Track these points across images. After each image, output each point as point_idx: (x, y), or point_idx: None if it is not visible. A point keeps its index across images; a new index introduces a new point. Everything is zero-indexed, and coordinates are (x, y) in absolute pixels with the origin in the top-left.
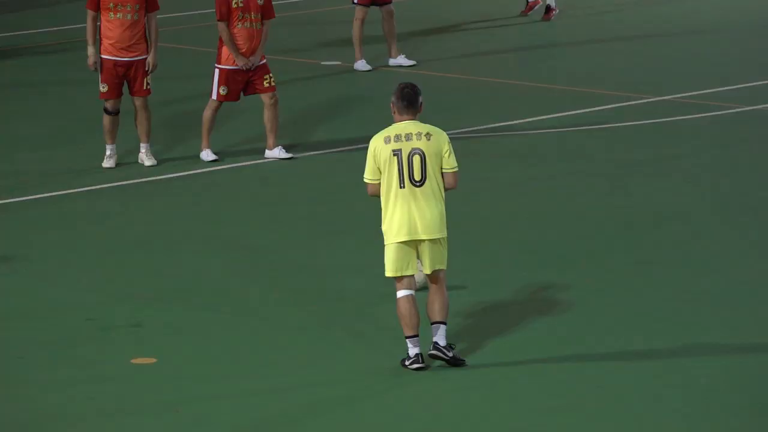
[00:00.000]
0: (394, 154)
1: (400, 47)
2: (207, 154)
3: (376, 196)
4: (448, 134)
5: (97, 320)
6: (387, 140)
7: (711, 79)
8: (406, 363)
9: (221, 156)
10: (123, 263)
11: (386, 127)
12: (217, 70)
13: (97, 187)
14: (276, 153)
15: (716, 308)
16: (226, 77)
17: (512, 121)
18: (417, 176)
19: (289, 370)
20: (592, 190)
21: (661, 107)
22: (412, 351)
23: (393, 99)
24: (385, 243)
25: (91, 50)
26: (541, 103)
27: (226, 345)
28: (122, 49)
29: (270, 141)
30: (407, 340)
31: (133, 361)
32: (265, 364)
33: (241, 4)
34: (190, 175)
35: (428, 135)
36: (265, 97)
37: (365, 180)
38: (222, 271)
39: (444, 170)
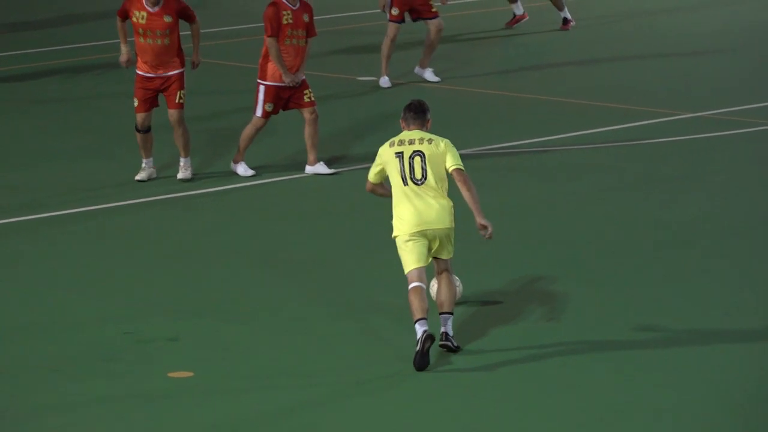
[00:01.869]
0: (396, 156)
1: (428, 62)
2: (244, 169)
3: (372, 192)
4: (478, 149)
5: (135, 333)
6: (391, 144)
7: (742, 96)
8: (416, 342)
9: (259, 171)
10: (160, 277)
11: None
12: (262, 87)
13: (136, 201)
14: (318, 168)
15: (745, 321)
16: (273, 94)
17: (545, 137)
18: (417, 175)
19: (328, 383)
20: (623, 204)
21: (694, 123)
22: (420, 330)
23: (402, 113)
24: (395, 237)
25: (123, 48)
26: (574, 119)
27: (263, 358)
28: (154, 66)
29: (311, 156)
30: (417, 322)
31: (170, 374)
32: (304, 376)
33: (290, 21)
34: (229, 189)
35: (430, 140)
36: (306, 113)
37: (368, 177)
38: (260, 284)
39: (449, 168)
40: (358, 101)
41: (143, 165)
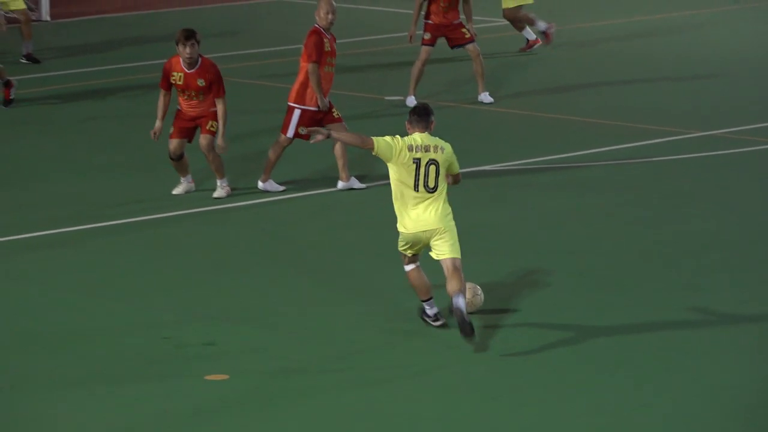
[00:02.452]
0: (414, 162)
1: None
2: (273, 185)
3: (366, 147)
4: (506, 165)
5: (173, 338)
6: (410, 148)
7: (752, 116)
8: (431, 321)
9: (288, 186)
10: (198, 285)
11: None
12: (298, 110)
13: (174, 213)
14: (351, 183)
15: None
16: (307, 118)
17: (563, 154)
18: (431, 184)
19: (358, 389)
20: (639, 219)
21: (705, 142)
22: (432, 311)
23: (408, 116)
24: (399, 230)
25: (158, 125)
26: (590, 137)
27: (294, 362)
28: (191, 112)
29: (343, 173)
30: (424, 303)
31: (207, 377)
32: (333, 379)
33: (329, 49)
34: (262, 203)
35: (441, 148)
36: (343, 133)
37: (382, 142)
38: (292, 292)
39: (451, 172)
40: (385, 120)
41: (181, 180)
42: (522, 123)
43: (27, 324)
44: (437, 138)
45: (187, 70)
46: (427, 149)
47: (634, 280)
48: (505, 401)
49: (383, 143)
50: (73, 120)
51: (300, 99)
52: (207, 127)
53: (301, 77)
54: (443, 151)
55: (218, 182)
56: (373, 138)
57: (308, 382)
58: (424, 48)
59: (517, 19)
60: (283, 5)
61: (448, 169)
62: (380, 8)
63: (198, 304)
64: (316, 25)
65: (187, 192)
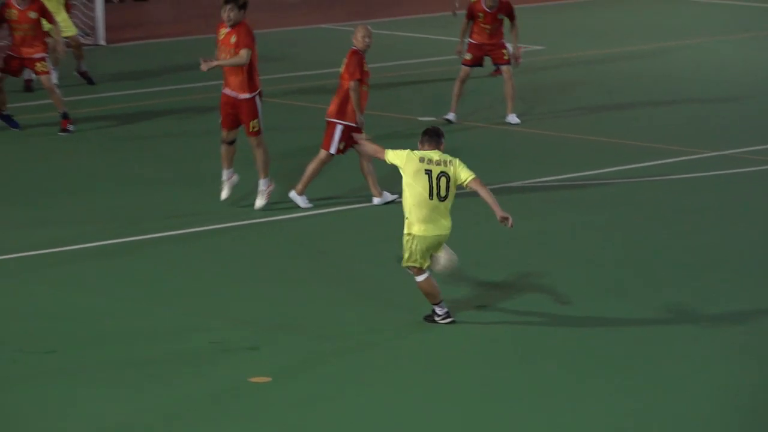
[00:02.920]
0: (425, 173)
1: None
2: (304, 201)
3: (375, 156)
4: (532, 182)
5: (220, 343)
6: (421, 160)
7: (761, 136)
8: (440, 320)
9: (321, 202)
10: (244, 294)
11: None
12: (340, 127)
13: (220, 226)
14: (385, 197)
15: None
16: (348, 133)
17: (586, 171)
18: (443, 193)
19: (396, 394)
20: (656, 233)
21: (720, 161)
22: (443, 311)
23: (420, 136)
24: (406, 233)
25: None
26: (612, 156)
27: (333, 368)
28: (226, 85)
29: (375, 190)
30: (436, 306)
31: (251, 379)
32: (372, 388)
33: (366, 69)
34: (303, 216)
35: (450, 162)
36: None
37: (391, 152)
38: (330, 301)
39: (466, 180)
40: (418, 138)
41: (223, 178)
42: (547, 143)
43: (80, 327)
44: (447, 155)
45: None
46: (438, 163)
47: (652, 288)
48: (526, 402)
49: (392, 152)
50: (125, 138)
51: (341, 115)
52: (250, 129)
53: (341, 94)
54: (452, 165)
55: (260, 183)
56: (384, 149)
57: (347, 387)
58: (463, 68)
59: None
60: (319, 31)
61: (460, 178)
62: (415, 34)
63: (244, 311)
64: (355, 48)
65: (232, 187)
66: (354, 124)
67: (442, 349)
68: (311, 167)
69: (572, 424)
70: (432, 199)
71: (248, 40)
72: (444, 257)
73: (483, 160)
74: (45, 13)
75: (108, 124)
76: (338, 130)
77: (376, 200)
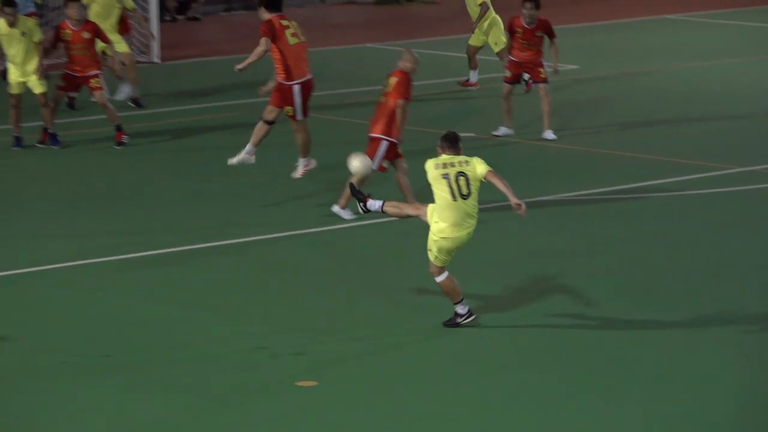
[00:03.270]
0: (443, 177)
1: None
2: (348, 213)
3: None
4: (565, 195)
5: (268, 348)
6: (437, 166)
7: None
8: (461, 321)
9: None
10: (291, 301)
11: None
12: (386, 143)
13: (268, 236)
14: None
15: None
16: (391, 149)
17: (619, 186)
18: (464, 191)
19: (438, 398)
20: (685, 245)
21: (746, 176)
22: (464, 309)
23: (440, 142)
24: (433, 235)
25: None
26: (644, 171)
27: (376, 372)
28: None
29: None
30: (458, 304)
31: (298, 383)
32: (414, 391)
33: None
34: (346, 228)
35: (466, 162)
36: (403, 162)
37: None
38: (374, 308)
39: (483, 173)
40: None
41: (244, 150)
42: (582, 158)
43: (132, 334)
44: (464, 156)
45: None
46: (453, 165)
47: (679, 296)
48: (553, 407)
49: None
50: (177, 151)
51: (387, 132)
52: (286, 113)
53: (387, 112)
54: (468, 163)
55: (299, 161)
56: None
57: (391, 390)
58: (505, 85)
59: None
60: (366, 51)
61: (478, 173)
62: (451, 54)
63: (291, 318)
64: (403, 70)
65: (241, 162)
66: (396, 141)
67: (476, 353)
68: (353, 181)
69: (604, 428)
70: (456, 200)
71: (264, 31)
72: (358, 160)
73: (519, 175)
74: (98, 33)
75: (161, 138)
76: (383, 147)
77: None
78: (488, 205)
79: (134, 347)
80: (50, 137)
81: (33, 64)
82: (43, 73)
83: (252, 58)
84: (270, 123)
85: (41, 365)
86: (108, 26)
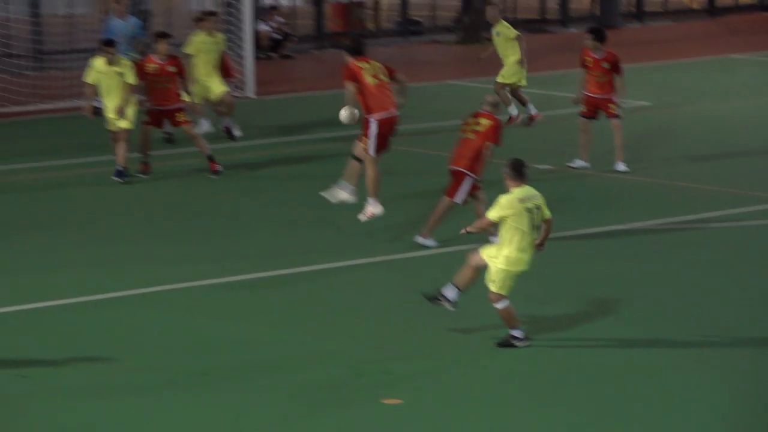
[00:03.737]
0: (527, 211)
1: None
2: (431, 242)
3: (485, 229)
4: (634, 225)
5: (356, 367)
6: (521, 200)
7: None
8: (519, 343)
9: (449, 241)
10: (378, 323)
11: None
12: (470, 179)
13: (355, 262)
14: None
15: None
16: (474, 186)
17: (687, 216)
18: (537, 223)
19: (522, 415)
20: (742, 273)
21: None
22: (521, 333)
23: (507, 170)
24: (501, 265)
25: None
26: (711, 202)
27: (462, 392)
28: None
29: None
30: (516, 330)
31: (383, 401)
32: (497, 411)
33: None
34: (422, 255)
35: (539, 196)
36: (481, 194)
37: (493, 212)
38: (459, 332)
39: (545, 217)
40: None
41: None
42: (653, 189)
43: (227, 354)
44: (534, 190)
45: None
46: (531, 198)
47: (732, 322)
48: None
49: (494, 211)
50: (270, 180)
51: (472, 168)
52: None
53: (474, 149)
54: (540, 199)
55: (368, 200)
56: (492, 221)
57: (473, 408)
58: (581, 119)
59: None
60: (447, 87)
61: (544, 214)
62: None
63: (378, 340)
64: (495, 115)
65: (335, 197)
66: (478, 178)
67: (542, 372)
68: (436, 214)
69: None
70: (532, 233)
71: (344, 75)
72: (347, 111)
73: (593, 205)
74: (181, 68)
75: (256, 168)
76: (467, 183)
77: (494, 238)
78: (557, 234)
79: (229, 366)
80: (117, 172)
81: (124, 102)
82: (123, 110)
83: (348, 102)
84: (358, 159)
85: (143, 382)
86: (210, 69)
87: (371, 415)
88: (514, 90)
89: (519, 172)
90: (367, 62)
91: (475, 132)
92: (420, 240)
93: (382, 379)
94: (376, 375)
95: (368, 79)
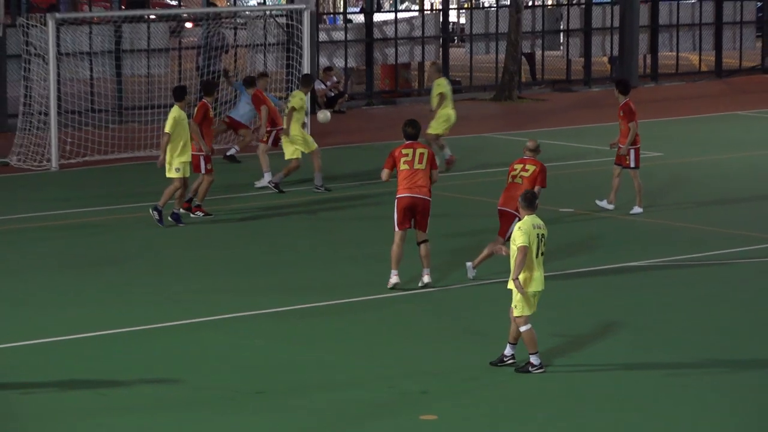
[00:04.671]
0: (538, 237)
1: (639, 201)
2: (471, 272)
3: (525, 257)
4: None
5: (396, 387)
6: (534, 226)
7: None
8: (534, 370)
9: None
10: (418, 348)
11: None
12: (518, 219)
13: (401, 293)
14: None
15: None
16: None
17: (695, 254)
18: (543, 250)
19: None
20: (738, 304)
21: None
22: (537, 361)
23: (521, 201)
24: (523, 290)
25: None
26: (712, 242)
27: (494, 408)
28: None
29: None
30: (535, 355)
31: (421, 417)
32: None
33: None
34: (470, 286)
35: (544, 226)
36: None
37: (524, 240)
38: (478, 356)
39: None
40: (558, 227)
41: (393, 273)
42: (665, 230)
43: (285, 374)
44: (540, 219)
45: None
46: (540, 227)
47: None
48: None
49: (519, 240)
50: (332, 221)
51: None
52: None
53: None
54: (545, 227)
55: (424, 271)
56: (522, 245)
57: (503, 423)
58: (615, 167)
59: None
60: (484, 139)
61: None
62: (557, 142)
63: (414, 363)
64: (539, 161)
65: (395, 286)
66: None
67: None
68: (487, 250)
69: None
70: (537, 257)
71: (386, 163)
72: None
73: (603, 246)
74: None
75: (315, 211)
76: (515, 222)
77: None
78: (571, 270)
79: (283, 385)
80: (156, 211)
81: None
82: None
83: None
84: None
85: (204, 398)
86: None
87: (410, 430)
88: (439, 137)
89: (531, 203)
90: (411, 148)
91: (523, 177)
92: (469, 265)
93: (420, 398)
94: (415, 394)
95: (402, 166)
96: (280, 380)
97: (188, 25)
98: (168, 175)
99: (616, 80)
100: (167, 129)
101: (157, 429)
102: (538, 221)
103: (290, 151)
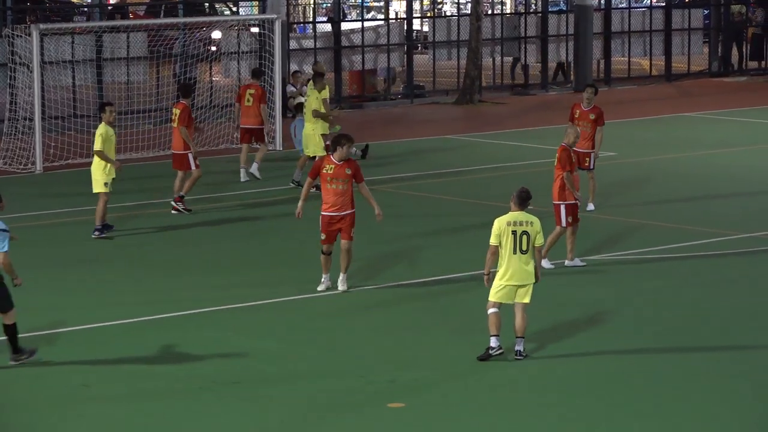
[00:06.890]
0: (512, 233)
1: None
2: (546, 263)
3: (493, 255)
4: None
5: (366, 377)
6: (508, 223)
7: None
8: (493, 352)
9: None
10: (387, 340)
11: None
12: (563, 206)
13: (382, 285)
14: (576, 262)
15: None
16: (571, 209)
17: (647, 248)
18: (524, 247)
19: (499, 416)
20: (700, 296)
21: (748, 241)
22: (495, 342)
23: (513, 197)
24: (495, 282)
25: (300, 204)
26: (669, 237)
27: (458, 397)
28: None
29: (571, 254)
30: (493, 337)
31: (389, 405)
32: (489, 412)
33: (574, 160)
34: (436, 280)
35: (531, 222)
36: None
37: (492, 238)
38: (457, 351)
39: (536, 244)
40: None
41: (322, 279)
42: (617, 227)
43: (255, 366)
44: (531, 215)
45: (336, 162)
46: (521, 224)
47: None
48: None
49: (492, 241)
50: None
51: (562, 197)
52: (350, 234)
53: (559, 182)
54: (533, 225)
55: (341, 276)
56: (491, 245)
57: (467, 411)
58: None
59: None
60: (445, 141)
61: (536, 241)
62: (515, 143)
63: (386, 355)
64: (565, 144)
65: (327, 289)
66: (573, 202)
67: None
68: (551, 238)
69: None
70: (516, 253)
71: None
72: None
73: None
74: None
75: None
76: (563, 209)
77: (567, 262)
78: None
79: (257, 375)
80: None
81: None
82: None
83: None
84: None
85: (182, 389)
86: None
87: (378, 418)
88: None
89: (519, 198)
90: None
91: (555, 167)
92: (545, 263)
93: (388, 387)
94: (383, 383)
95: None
96: (256, 371)
97: (216, 35)
98: (96, 190)
99: (589, 83)
100: (97, 147)
101: (137, 418)
102: (522, 218)
103: (311, 149)
